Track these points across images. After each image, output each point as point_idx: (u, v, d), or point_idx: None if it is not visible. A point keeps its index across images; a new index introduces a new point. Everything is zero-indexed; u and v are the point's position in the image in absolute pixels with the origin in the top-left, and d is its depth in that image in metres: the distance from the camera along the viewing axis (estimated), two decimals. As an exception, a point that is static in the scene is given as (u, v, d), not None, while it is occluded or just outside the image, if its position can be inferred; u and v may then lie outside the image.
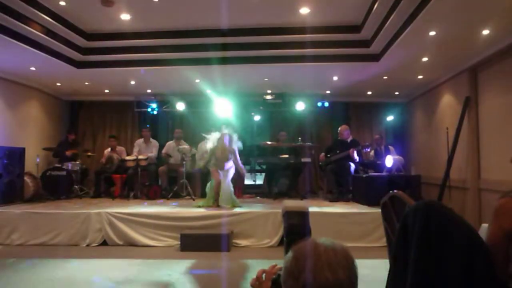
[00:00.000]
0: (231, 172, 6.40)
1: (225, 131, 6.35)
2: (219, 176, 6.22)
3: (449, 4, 4.19)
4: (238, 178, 7.26)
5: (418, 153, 8.69)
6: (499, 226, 1.46)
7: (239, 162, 6.43)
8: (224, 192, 6.20)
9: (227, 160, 6.27)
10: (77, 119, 9.70)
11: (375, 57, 6.34)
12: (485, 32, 4.92)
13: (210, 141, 6.38)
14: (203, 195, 7.37)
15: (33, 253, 5.04)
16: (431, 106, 7.88)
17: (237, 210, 5.87)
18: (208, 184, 6.47)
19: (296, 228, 3.43)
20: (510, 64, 5.24)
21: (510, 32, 4.89)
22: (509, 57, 5.23)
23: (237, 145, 6.41)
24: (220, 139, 6.27)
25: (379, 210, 2.37)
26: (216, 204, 6.15)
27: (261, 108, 9.41)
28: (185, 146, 7.88)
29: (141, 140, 8.45)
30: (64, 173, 7.40)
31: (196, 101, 9.02)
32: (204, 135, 6.60)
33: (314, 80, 7.76)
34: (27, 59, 6.35)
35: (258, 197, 7.95)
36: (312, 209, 4.74)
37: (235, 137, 6.42)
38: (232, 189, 6.37)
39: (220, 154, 6.23)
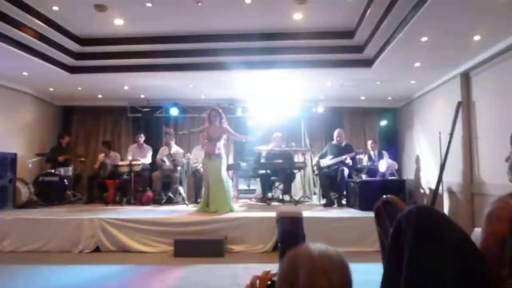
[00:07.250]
0: (224, 163, 6.30)
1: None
2: (208, 173, 6.19)
3: (441, 10, 4.24)
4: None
5: (411, 157, 8.73)
6: (492, 230, 1.47)
7: (236, 134, 6.62)
8: (213, 194, 6.10)
9: (219, 139, 6.24)
10: (70, 124, 9.61)
11: (368, 63, 6.38)
12: (477, 37, 4.97)
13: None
14: (197, 200, 7.37)
15: (25, 260, 4.98)
16: (424, 110, 7.93)
17: (231, 215, 5.85)
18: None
19: (290, 234, 3.43)
20: (502, 69, 5.30)
21: (502, 37, 4.95)
22: (501, 61, 5.29)
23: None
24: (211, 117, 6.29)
25: (373, 215, 2.37)
26: (205, 209, 6.10)
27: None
28: (178, 151, 7.85)
29: (134, 145, 8.41)
30: (56, 178, 7.33)
31: (190, 106, 9.02)
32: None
33: (308, 85, 7.79)
34: (19, 64, 6.30)
35: (251, 202, 7.93)
36: (305, 214, 4.74)
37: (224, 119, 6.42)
38: (230, 192, 6.31)
39: (212, 132, 6.24)
